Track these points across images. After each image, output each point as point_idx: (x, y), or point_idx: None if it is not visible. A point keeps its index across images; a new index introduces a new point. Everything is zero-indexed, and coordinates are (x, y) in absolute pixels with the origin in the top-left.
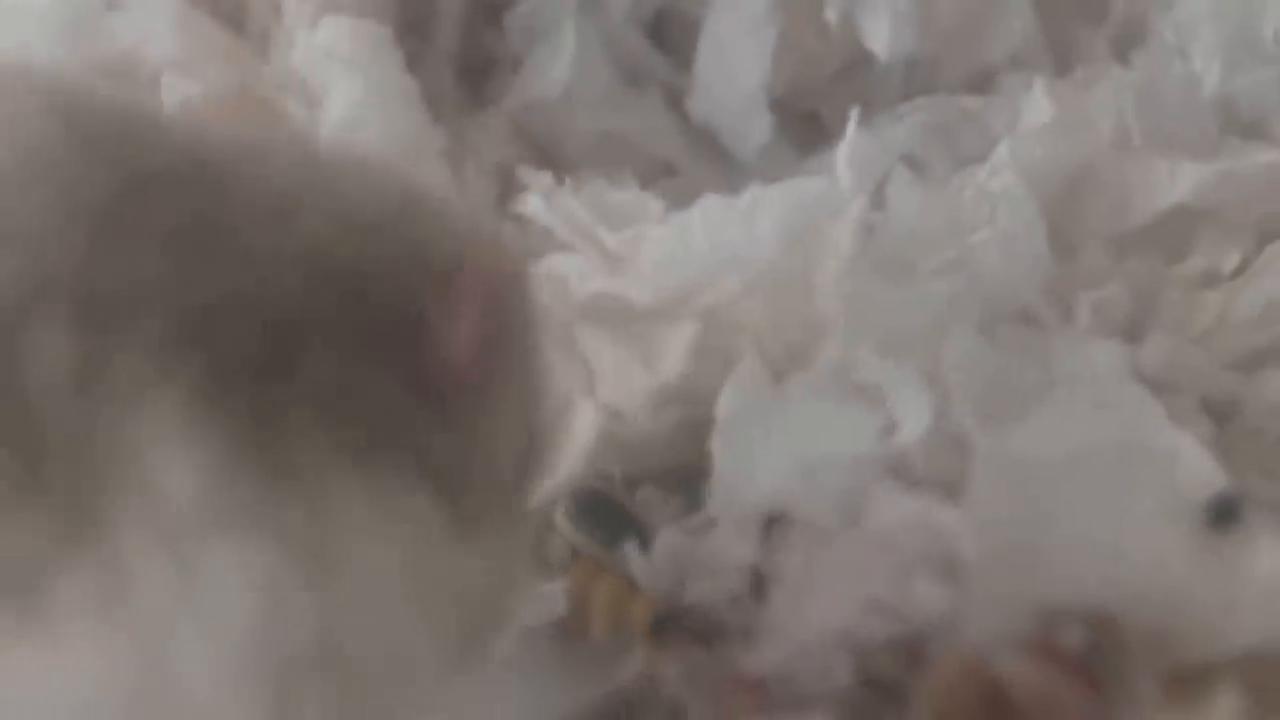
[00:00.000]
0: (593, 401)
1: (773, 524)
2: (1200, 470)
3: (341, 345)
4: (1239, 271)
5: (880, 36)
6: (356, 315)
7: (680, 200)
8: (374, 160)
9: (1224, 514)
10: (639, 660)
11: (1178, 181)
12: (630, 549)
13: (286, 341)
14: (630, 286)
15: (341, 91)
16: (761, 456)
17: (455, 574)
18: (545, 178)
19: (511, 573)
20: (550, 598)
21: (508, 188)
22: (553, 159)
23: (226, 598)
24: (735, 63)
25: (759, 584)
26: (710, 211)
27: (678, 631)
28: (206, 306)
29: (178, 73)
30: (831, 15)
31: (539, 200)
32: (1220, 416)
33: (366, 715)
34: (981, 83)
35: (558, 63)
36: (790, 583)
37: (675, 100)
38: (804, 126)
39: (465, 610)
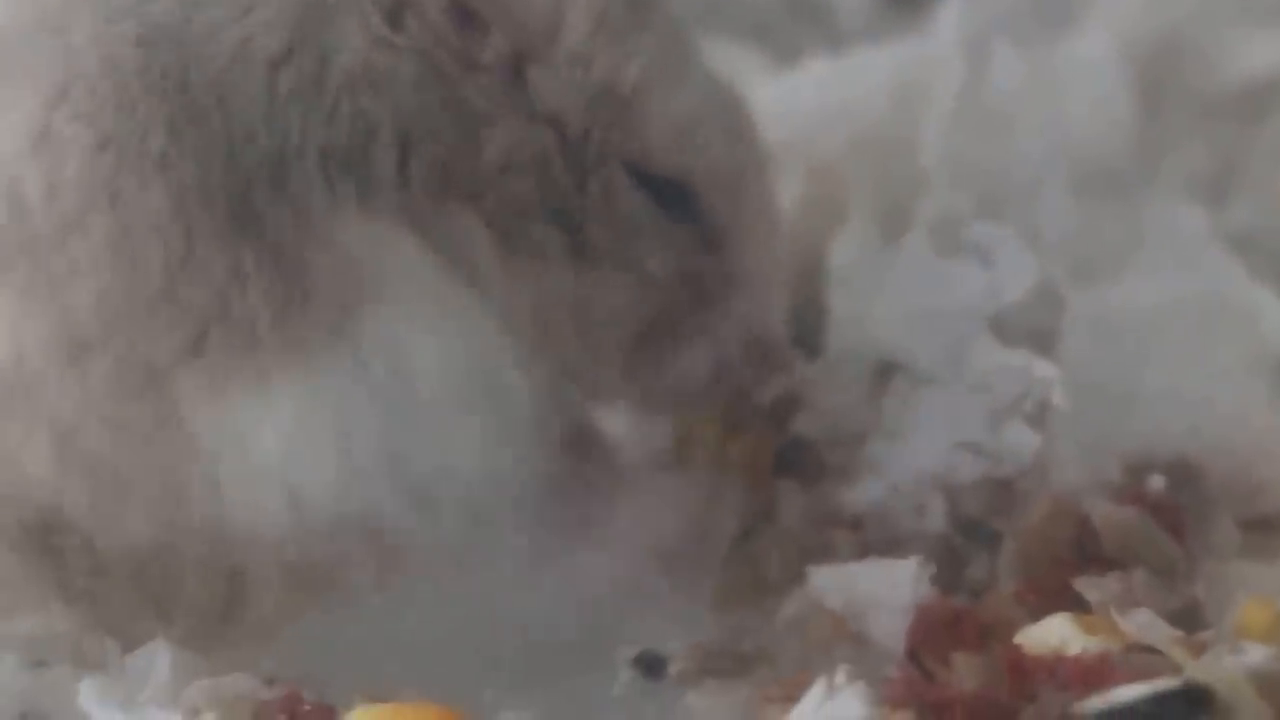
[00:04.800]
0: None
1: (881, 371)
2: None
3: None
4: None
5: None
6: None
7: (782, 61)
8: None
9: None
10: (743, 492)
11: (1265, 49)
12: None
13: None
14: None
15: None
16: (874, 307)
17: None
18: None
19: None
20: (657, 431)
21: None
22: None
23: None
24: None
25: (860, 426)
26: (817, 71)
27: (795, 467)
28: None
29: None
30: None
31: None
32: None
33: None
34: None
35: None
36: (890, 426)
37: None
38: None
39: None
